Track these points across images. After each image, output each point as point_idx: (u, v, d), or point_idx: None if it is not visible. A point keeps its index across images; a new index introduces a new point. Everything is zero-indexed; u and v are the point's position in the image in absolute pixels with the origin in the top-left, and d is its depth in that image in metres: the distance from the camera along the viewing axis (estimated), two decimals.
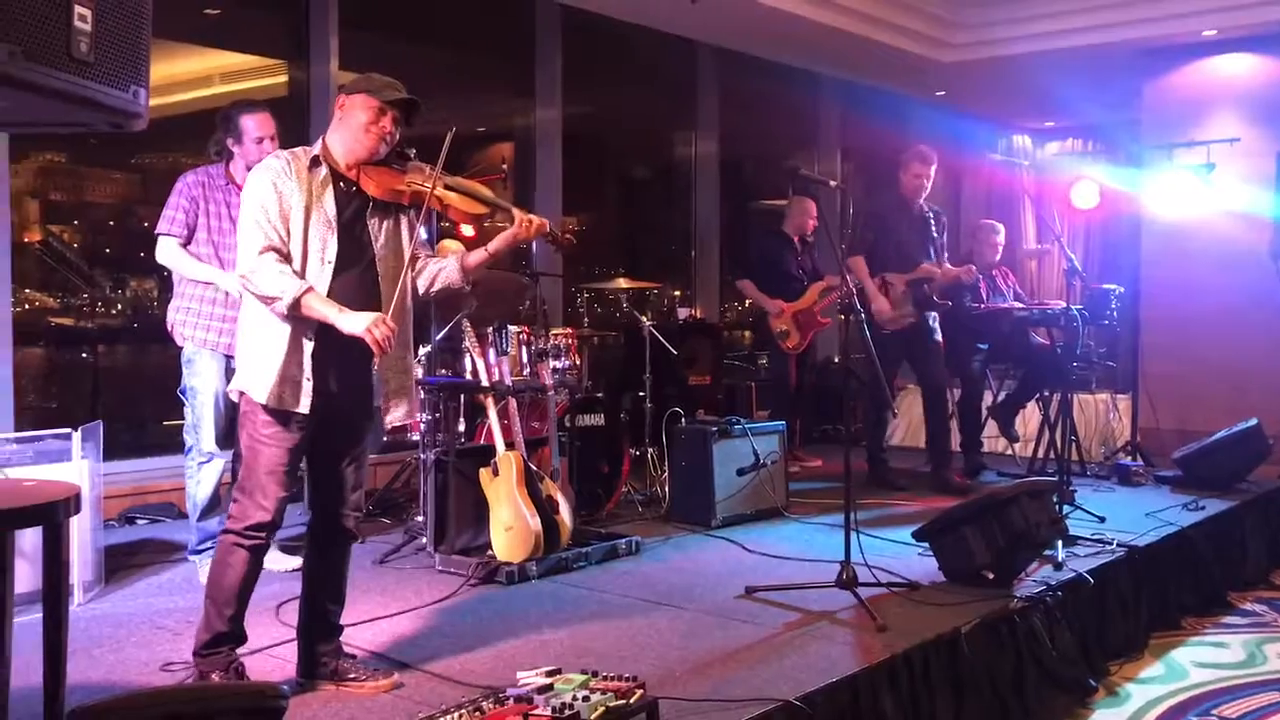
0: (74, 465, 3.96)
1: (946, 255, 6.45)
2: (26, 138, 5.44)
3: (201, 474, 4.33)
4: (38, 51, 1.79)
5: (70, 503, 2.44)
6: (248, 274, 2.99)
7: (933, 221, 6.32)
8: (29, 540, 3.39)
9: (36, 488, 2.63)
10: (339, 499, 3.23)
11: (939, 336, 6.30)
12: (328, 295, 3.03)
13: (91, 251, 6.35)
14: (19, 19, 1.74)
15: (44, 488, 2.62)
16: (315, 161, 3.11)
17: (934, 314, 6.26)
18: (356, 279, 3.11)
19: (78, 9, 1.85)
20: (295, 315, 2.99)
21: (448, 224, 5.01)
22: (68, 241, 6.24)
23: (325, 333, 3.04)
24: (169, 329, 4.38)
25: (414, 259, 3.26)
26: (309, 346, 3.05)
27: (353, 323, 2.99)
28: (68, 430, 4.02)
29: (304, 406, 3.04)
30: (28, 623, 2.75)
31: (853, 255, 6.23)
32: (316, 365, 3.05)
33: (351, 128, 3.13)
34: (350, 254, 3.11)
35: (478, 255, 3.33)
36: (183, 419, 4.42)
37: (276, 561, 4.34)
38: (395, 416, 3.25)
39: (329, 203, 3.09)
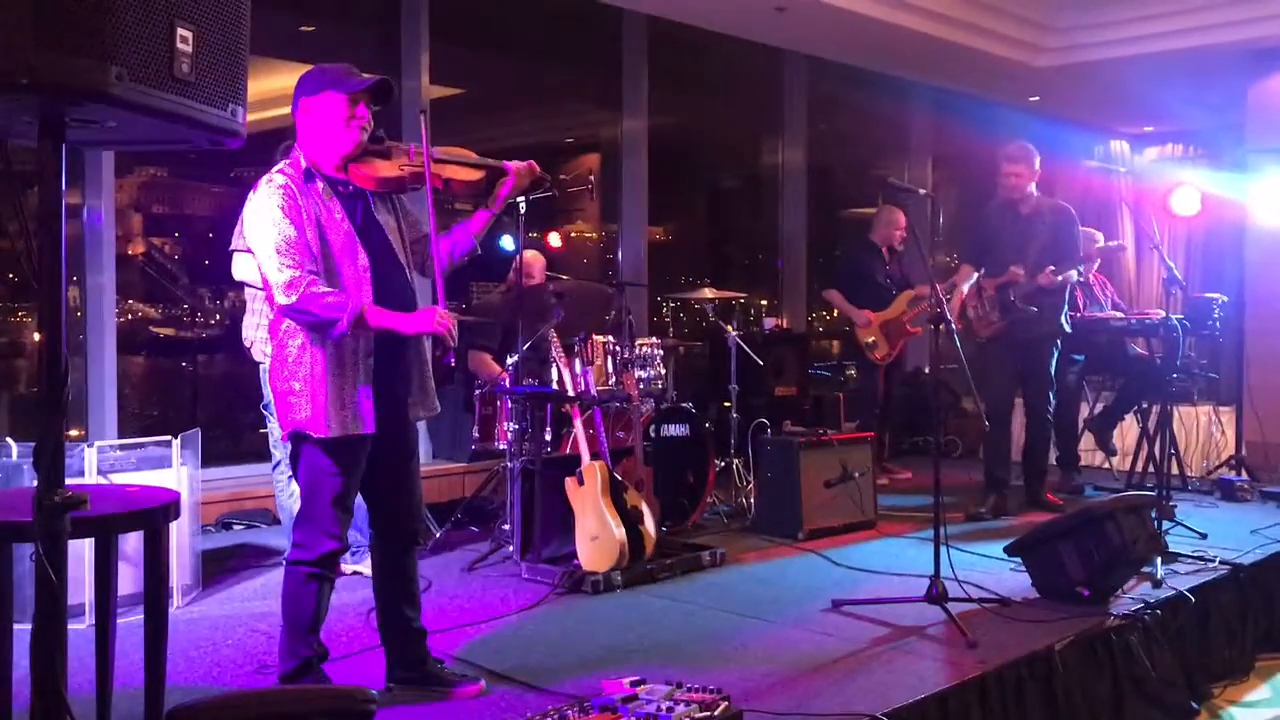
0: (174, 472, 4.07)
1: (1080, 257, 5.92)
2: (130, 154, 5.63)
3: (292, 487, 4.40)
4: (142, 73, 1.84)
5: (170, 508, 2.51)
6: (297, 304, 2.89)
7: (1042, 222, 5.82)
8: (131, 544, 3.50)
9: (138, 493, 2.71)
10: (408, 506, 3.24)
11: (1049, 356, 5.84)
12: (370, 298, 3.00)
13: (191, 263, 6.54)
14: (125, 42, 1.80)
15: (145, 493, 2.70)
16: (308, 176, 3.02)
17: (1047, 331, 5.79)
18: (388, 276, 3.08)
19: (180, 31, 1.91)
20: (358, 332, 2.94)
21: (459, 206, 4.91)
22: (169, 254, 6.44)
23: (380, 346, 3.03)
24: (247, 346, 4.46)
25: (425, 238, 3.21)
26: (368, 364, 3.01)
27: (417, 322, 2.99)
28: (168, 438, 4.14)
29: (368, 427, 3.01)
30: (129, 624, 2.83)
31: (963, 264, 6.05)
32: (376, 380, 3.03)
33: (329, 128, 3.00)
34: (377, 255, 3.07)
35: (481, 215, 3.25)
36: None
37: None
38: (422, 411, 3.22)
39: (340, 212, 3.03)
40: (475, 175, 3.24)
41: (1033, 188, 5.84)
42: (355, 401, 2.99)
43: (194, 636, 3.76)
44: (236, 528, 5.47)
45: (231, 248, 4.39)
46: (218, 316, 6.60)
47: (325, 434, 2.96)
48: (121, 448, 4.21)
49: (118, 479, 3.91)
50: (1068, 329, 5.88)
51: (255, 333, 4.40)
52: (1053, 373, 5.86)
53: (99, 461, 3.90)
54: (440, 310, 3.01)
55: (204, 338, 6.46)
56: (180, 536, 4.04)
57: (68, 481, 1.95)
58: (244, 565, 4.81)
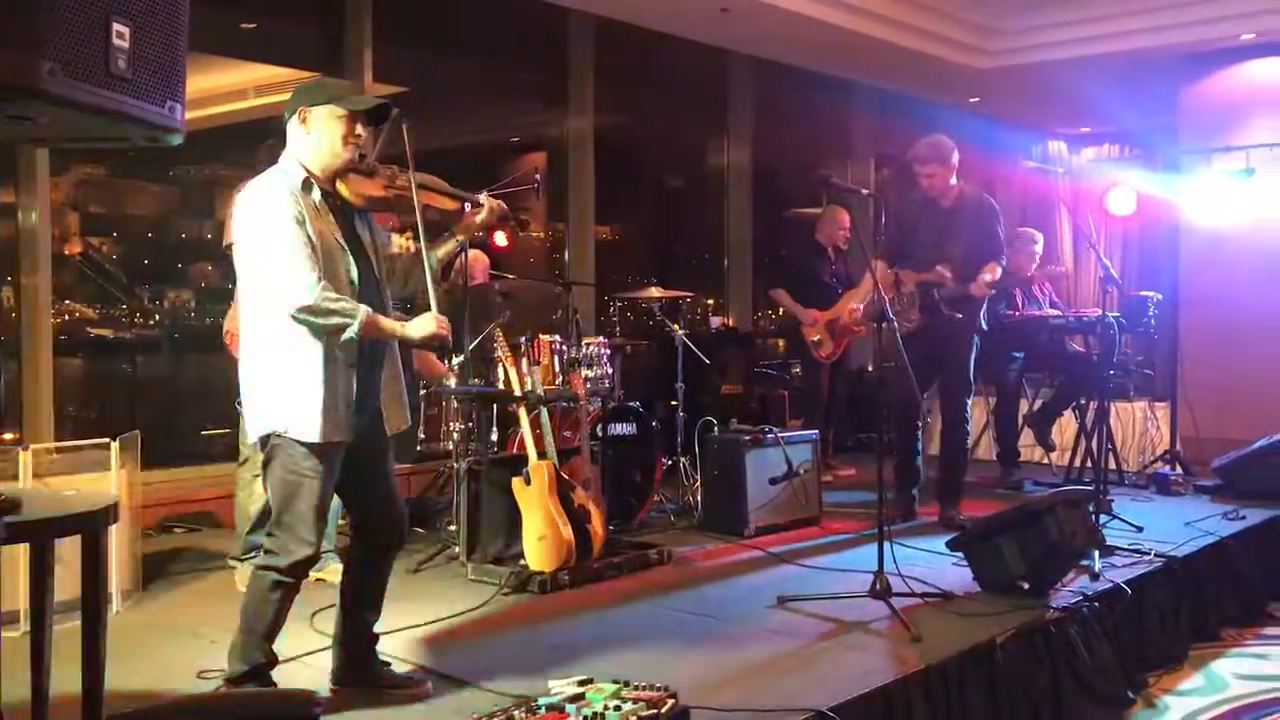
0: (112, 475, 4.01)
1: (1001, 251, 5.61)
2: (66, 151, 5.53)
3: (256, 485, 4.29)
4: (77, 68, 1.82)
5: (109, 512, 2.47)
6: (313, 306, 2.89)
7: (964, 216, 5.54)
8: (69, 548, 3.44)
9: (76, 497, 2.67)
10: (391, 512, 3.24)
11: (966, 355, 5.55)
12: None
13: (129, 263, 6.44)
14: (59, 37, 1.77)
15: (83, 497, 2.65)
16: (307, 185, 3.02)
17: (964, 332, 5.51)
18: (369, 289, 3.10)
19: (116, 26, 1.88)
20: (368, 335, 2.96)
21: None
22: (106, 253, 6.33)
23: (363, 356, 3.04)
24: (227, 339, 4.38)
25: (416, 254, 3.25)
26: (352, 373, 3.02)
27: (420, 327, 3.04)
28: (106, 440, 4.07)
29: (348, 434, 3.01)
30: (66, 630, 2.79)
31: (879, 259, 5.69)
32: (358, 391, 3.04)
33: (325, 142, 3.03)
34: (363, 269, 3.09)
35: (448, 245, 3.31)
36: (221, 428, 4.44)
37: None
38: (396, 424, 3.22)
39: (333, 223, 3.05)
40: (451, 205, 3.34)
41: (954, 180, 5.55)
42: (340, 409, 2.99)
43: (133, 642, 3.70)
44: (177, 531, 5.39)
45: (227, 242, 4.28)
46: (157, 317, 6.49)
47: (314, 438, 2.94)
48: (58, 451, 4.14)
49: (54, 483, 3.84)
50: (985, 326, 5.67)
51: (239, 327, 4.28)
52: (971, 372, 5.59)
53: (35, 465, 3.82)
54: (434, 316, 3.05)
55: (143, 338, 6.35)
56: (119, 540, 3.98)
57: (2, 485, 1.92)
58: (185, 569, 4.74)
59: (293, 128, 3.07)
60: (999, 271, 5.51)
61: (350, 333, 2.92)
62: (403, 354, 5.50)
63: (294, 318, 2.92)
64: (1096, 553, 4.51)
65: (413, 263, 3.30)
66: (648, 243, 9.62)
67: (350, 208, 3.12)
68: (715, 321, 8.34)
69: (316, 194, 3.04)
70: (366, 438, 3.11)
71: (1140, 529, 5.29)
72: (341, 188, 3.10)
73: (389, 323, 3.06)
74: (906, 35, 8.16)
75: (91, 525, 2.44)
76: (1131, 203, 8.11)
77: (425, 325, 3.05)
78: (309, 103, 3.04)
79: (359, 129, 3.07)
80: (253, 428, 3.04)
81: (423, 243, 3.18)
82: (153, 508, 5.29)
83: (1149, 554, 4.76)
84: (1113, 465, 6.39)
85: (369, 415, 3.12)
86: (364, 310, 2.95)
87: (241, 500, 4.44)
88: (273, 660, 3.08)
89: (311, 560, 3.03)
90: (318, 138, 3.03)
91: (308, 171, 3.04)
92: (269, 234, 2.93)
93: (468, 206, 3.36)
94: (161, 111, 2.03)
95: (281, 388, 2.98)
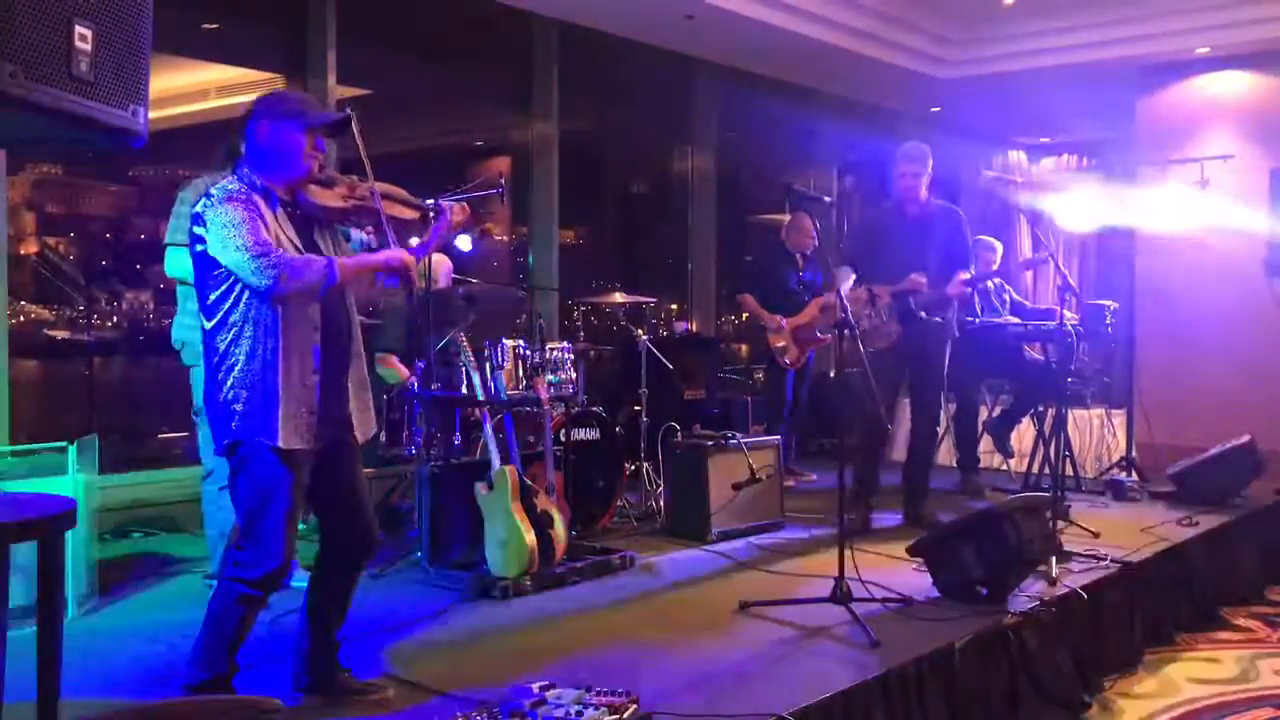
0: (69, 479, 3.96)
1: (970, 259, 5.73)
2: (24, 151, 5.46)
3: (223, 500, 4.14)
4: (38, 71, 1.80)
5: (66, 517, 2.45)
6: (281, 273, 2.85)
7: (936, 226, 5.64)
8: (24, 554, 3.39)
9: (32, 502, 2.64)
10: (362, 522, 3.21)
11: (941, 357, 5.69)
12: (319, 319, 3.01)
13: (88, 264, 6.36)
14: (20, 38, 1.76)
15: (39, 502, 2.62)
16: (267, 194, 3.01)
17: (942, 336, 5.66)
18: (336, 299, 3.09)
19: (78, 29, 1.87)
20: (345, 280, 2.97)
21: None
22: (64, 254, 6.25)
23: (324, 360, 3.02)
24: (177, 349, 4.31)
25: None
26: (315, 379, 3.00)
27: (388, 257, 3.05)
28: (63, 444, 4.02)
29: (311, 441, 2.99)
30: (22, 636, 2.75)
31: (837, 268, 5.82)
32: (321, 395, 3.01)
33: (284, 155, 3.02)
34: None
35: (415, 251, 3.28)
36: (180, 432, 4.39)
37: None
38: (364, 430, 3.22)
39: (292, 232, 3.04)
40: (411, 214, 3.32)
41: (924, 190, 5.68)
42: (304, 415, 2.96)
43: (90, 648, 3.66)
44: (135, 536, 5.33)
45: (167, 241, 4.24)
46: (115, 319, 6.42)
47: (280, 443, 2.91)
48: (14, 454, 4.08)
49: (10, 487, 3.79)
50: (957, 333, 5.81)
51: (188, 334, 4.21)
52: (945, 375, 5.77)
53: None
54: (404, 251, 3.08)
55: (101, 340, 6.28)
56: (76, 545, 3.93)
57: None
58: (143, 574, 4.69)
59: (253, 141, 3.04)
60: (963, 285, 5.61)
61: (330, 279, 2.91)
62: (367, 359, 5.51)
63: (273, 293, 2.88)
64: (1054, 558, 4.56)
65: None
66: (612, 247, 9.64)
67: (308, 218, 3.10)
68: (679, 326, 8.36)
69: (277, 203, 3.03)
70: (335, 446, 3.09)
71: (1097, 535, 5.36)
72: (301, 198, 3.07)
73: (355, 256, 3.06)
74: (868, 44, 8.24)
75: (48, 530, 2.41)
76: (1089, 213, 8.22)
77: (390, 257, 3.05)
78: (268, 117, 3.02)
79: (319, 142, 3.07)
80: (215, 437, 3.01)
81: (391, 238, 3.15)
82: (111, 512, 5.24)
83: (1105, 560, 4.82)
84: (1070, 472, 6.47)
85: (337, 423, 3.10)
86: (334, 259, 2.96)
87: (211, 514, 4.34)
88: (234, 669, 3.05)
89: (281, 572, 3.00)
90: (279, 151, 3.02)
91: (265, 182, 3.03)
92: (226, 233, 2.89)
93: (431, 216, 3.36)
94: (124, 115, 2.02)
95: (242, 393, 2.94)
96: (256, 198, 2.97)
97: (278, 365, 2.93)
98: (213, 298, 2.97)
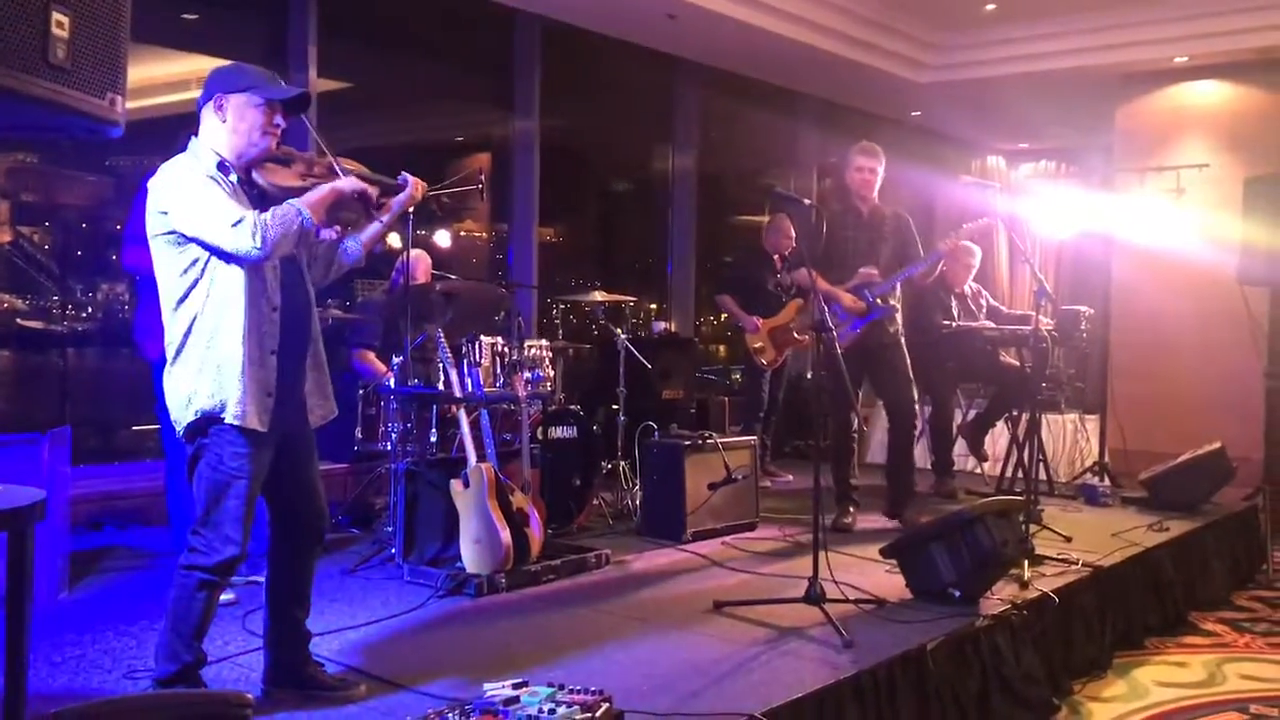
0: (41, 470, 3.92)
1: (917, 261, 5.78)
2: None
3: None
4: (14, 58, 1.78)
5: (37, 508, 2.42)
6: (260, 230, 2.82)
7: (886, 226, 5.78)
8: None
9: (2, 493, 2.61)
10: (316, 506, 3.20)
11: (905, 358, 5.77)
12: (279, 299, 2.99)
13: (62, 254, 6.30)
14: None
15: (10, 493, 2.60)
16: (224, 168, 2.97)
17: (897, 329, 5.75)
18: (296, 278, 3.08)
19: (55, 15, 1.85)
20: (317, 214, 2.94)
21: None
22: (38, 243, 6.20)
23: (283, 342, 3.01)
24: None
25: (335, 242, 3.24)
26: (274, 360, 2.98)
27: (344, 181, 3.03)
28: (35, 434, 3.99)
29: (274, 425, 2.97)
30: None
31: (797, 269, 6.03)
32: (279, 376, 2.99)
33: (244, 131, 2.97)
34: (283, 259, 3.03)
35: (373, 229, 3.26)
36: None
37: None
38: (320, 414, 3.20)
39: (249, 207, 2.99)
40: (372, 189, 3.25)
41: (876, 189, 5.78)
42: (264, 397, 2.95)
43: (59, 641, 3.63)
44: (107, 528, 5.29)
45: (129, 231, 4.19)
46: (89, 309, 6.37)
47: (242, 424, 2.89)
48: None
49: None
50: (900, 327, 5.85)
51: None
52: (909, 366, 5.77)
53: None
54: (354, 177, 3.07)
55: (75, 331, 6.22)
56: (47, 537, 3.89)
57: None
58: (114, 567, 4.66)
59: (208, 115, 3.00)
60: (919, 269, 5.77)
61: (304, 220, 2.89)
62: (343, 354, 5.50)
63: (263, 254, 2.85)
64: (1026, 562, 4.59)
65: (332, 251, 3.26)
66: (591, 246, 9.63)
67: (267, 197, 3.06)
68: (658, 326, 8.36)
69: (234, 179, 2.99)
70: (289, 428, 3.06)
71: (1069, 539, 5.40)
72: (258, 177, 3.04)
73: (311, 192, 3.00)
74: (849, 47, 8.27)
75: (18, 522, 2.39)
76: (1067, 219, 8.27)
77: (346, 182, 3.04)
78: (224, 90, 2.97)
79: (278, 118, 3.02)
80: (178, 421, 2.97)
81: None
82: (82, 504, 5.19)
83: (1076, 564, 4.85)
84: (1043, 476, 6.51)
85: (293, 406, 3.08)
86: (295, 205, 2.92)
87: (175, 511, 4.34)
88: (201, 659, 3.03)
89: (238, 559, 2.98)
90: (234, 126, 2.97)
91: (222, 159, 2.99)
92: (188, 195, 2.86)
93: (392, 191, 3.28)
94: (101, 103, 2.00)
95: (205, 375, 2.91)
96: (215, 173, 2.94)
97: (239, 347, 2.91)
98: (173, 280, 2.94)
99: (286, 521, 3.21)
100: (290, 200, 2.94)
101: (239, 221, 2.84)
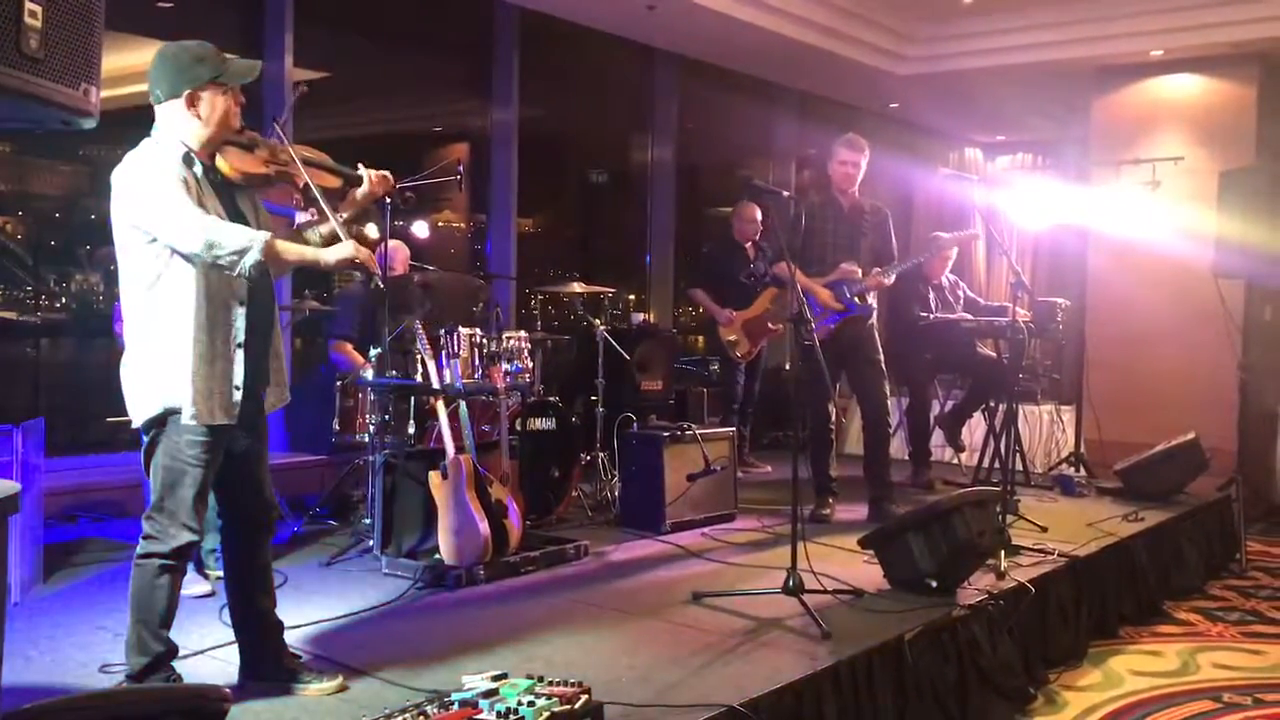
0: (14, 462, 3.89)
1: (896, 257, 5.85)
2: None
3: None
4: None
5: (9, 501, 2.40)
6: (207, 238, 2.81)
7: (867, 221, 5.79)
8: None
9: None
10: (264, 493, 3.19)
11: (879, 352, 5.79)
12: (242, 294, 2.98)
13: (36, 244, 6.24)
14: None
15: None
16: (188, 159, 2.95)
17: (873, 324, 5.77)
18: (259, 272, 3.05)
19: (28, 5, 1.83)
20: (271, 263, 2.90)
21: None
22: (11, 233, 6.14)
23: (250, 334, 3.00)
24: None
25: (297, 230, 3.23)
26: (239, 353, 2.97)
27: (336, 250, 3.00)
28: (8, 426, 3.95)
29: (232, 418, 2.97)
30: None
31: (777, 262, 6.00)
32: (243, 369, 2.98)
33: (214, 120, 2.96)
34: None
35: (329, 223, 3.22)
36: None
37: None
38: (272, 401, 3.19)
39: (215, 198, 2.98)
40: (334, 182, 3.26)
41: (858, 182, 5.76)
42: (224, 391, 2.94)
43: (33, 635, 3.61)
44: (82, 520, 5.25)
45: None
46: (63, 299, 6.31)
47: (203, 418, 2.89)
48: None
49: None
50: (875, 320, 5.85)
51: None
52: (882, 360, 5.79)
53: None
54: (354, 244, 3.03)
55: (49, 321, 6.16)
56: (21, 529, 3.86)
57: None
58: (89, 560, 4.62)
59: (175, 109, 2.95)
60: (893, 276, 5.80)
61: (253, 255, 2.85)
62: (321, 345, 5.46)
63: (194, 256, 2.85)
64: (1003, 552, 4.62)
65: (294, 240, 3.22)
66: (570, 237, 9.62)
67: (230, 184, 3.05)
68: (636, 317, 8.36)
69: (198, 168, 2.98)
70: (245, 416, 3.05)
71: (1045, 529, 5.44)
72: (221, 164, 3.03)
73: (295, 246, 3.01)
74: (827, 39, 8.28)
75: None
76: (1043, 211, 8.30)
77: (342, 249, 3.02)
78: (192, 83, 2.93)
79: (239, 100, 3.02)
80: (135, 413, 2.96)
81: (327, 209, 3.14)
82: (56, 496, 5.15)
83: (1052, 554, 4.89)
84: (1020, 467, 6.55)
85: (249, 394, 3.06)
86: (265, 234, 2.90)
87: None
88: (172, 649, 3.03)
89: (193, 545, 3.00)
90: (207, 117, 2.96)
91: (187, 147, 2.96)
92: (150, 191, 2.85)
93: (354, 184, 3.29)
94: (75, 94, 1.99)
95: (161, 367, 2.91)
96: (176, 163, 2.92)
97: (202, 338, 2.91)
98: (135, 268, 2.93)
99: (235, 509, 3.20)
100: (265, 235, 2.91)
101: (190, 220, 2.83)
